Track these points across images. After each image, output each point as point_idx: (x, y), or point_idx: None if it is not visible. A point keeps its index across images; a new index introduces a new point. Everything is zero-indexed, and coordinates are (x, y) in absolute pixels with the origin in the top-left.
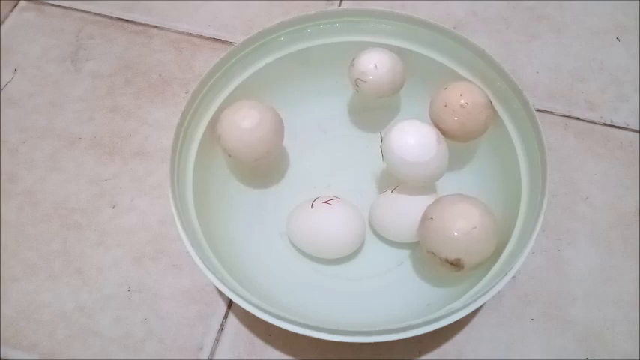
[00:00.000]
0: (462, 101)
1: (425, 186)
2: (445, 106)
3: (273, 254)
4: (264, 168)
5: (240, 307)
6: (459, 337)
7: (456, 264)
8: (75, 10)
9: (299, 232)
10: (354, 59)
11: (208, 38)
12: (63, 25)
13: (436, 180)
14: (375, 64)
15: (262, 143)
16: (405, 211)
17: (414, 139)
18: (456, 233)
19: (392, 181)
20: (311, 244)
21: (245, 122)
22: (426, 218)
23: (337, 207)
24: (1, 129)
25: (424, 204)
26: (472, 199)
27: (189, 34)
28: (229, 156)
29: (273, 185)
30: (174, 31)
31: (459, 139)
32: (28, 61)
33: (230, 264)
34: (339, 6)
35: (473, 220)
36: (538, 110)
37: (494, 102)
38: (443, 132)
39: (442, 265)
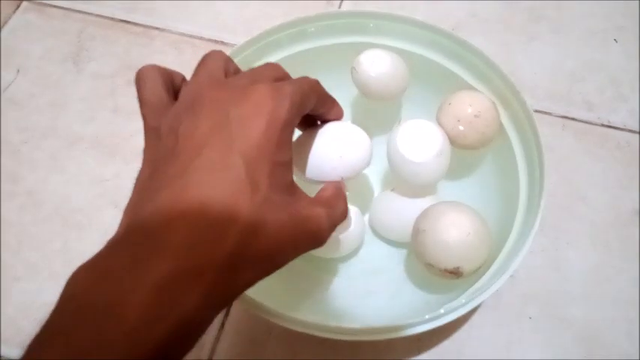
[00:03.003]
0: (473, 111)
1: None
2: (459, 121)
3: None
4: None
5: (240, 305)
6: (458, 336)
7: (455, 272)
8: (76, 11)
9: None
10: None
11: (209, 39)
12: (64, 26)
13: (435, 183)
14: (372, 62)
15: None
16: (405, 210)
17: (418, 138)
18: (451, 242)
19: (391, 180)
20: None
21: None
22: (418, 231)
23: None
24: (3, 129)
25: (424, 203)
26: (460, 204)
27: (190, 36)
28: None
29: None
30: (175, 33)
31: (480, 147)
32: (30, 61)
33: None
34: (340, 7)
35: (465, 226)
36: (536, 111)
37: None
38: (464, 146)
39: (442, 275)
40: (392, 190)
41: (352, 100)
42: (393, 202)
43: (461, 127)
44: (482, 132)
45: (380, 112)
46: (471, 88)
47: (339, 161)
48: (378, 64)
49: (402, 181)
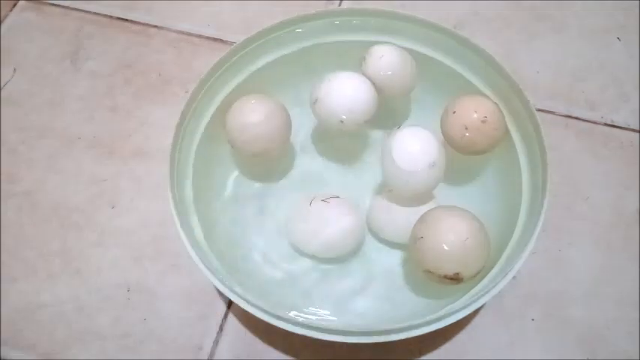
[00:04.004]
0: (480, 117)
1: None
2: (466, 128)
3: (273, 253)
4: (264, 166)
5: (239, 307)
6: (460, 338)
7: (455, 278)
8: (74, 9)
9: (299, 230)
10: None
11: (208, 38)
12: (62, 24)
13: (425, 193)
14: (381, 57)
15: (263, 139)
16: (403, 213)
17: (413, 147)
18: (449, 248)
19: None
20: (311, 243)
21: (249, 116)
22: (415, 238)
23: (336, 205)
24: (1, 129)
25: (422, 205)
26: (456, 208)
27: (189, 34)
28: (231, 146)
29: (273, 184)
30: (173, 31)
31: (489, 150)
32: (28, 60)
33: (230, 264)
34: (339, 5)
35: (463, 231)
36: (538, 110)
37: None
38: (474, 152)
39: (441, 281)
40: (390, 191)
41: None
42: (391, 205)
43: (469, 134)
44: (491, 136)
45: (381, 109)
46: (471, 85)
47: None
48: (386, 60)
49: (392, 187)
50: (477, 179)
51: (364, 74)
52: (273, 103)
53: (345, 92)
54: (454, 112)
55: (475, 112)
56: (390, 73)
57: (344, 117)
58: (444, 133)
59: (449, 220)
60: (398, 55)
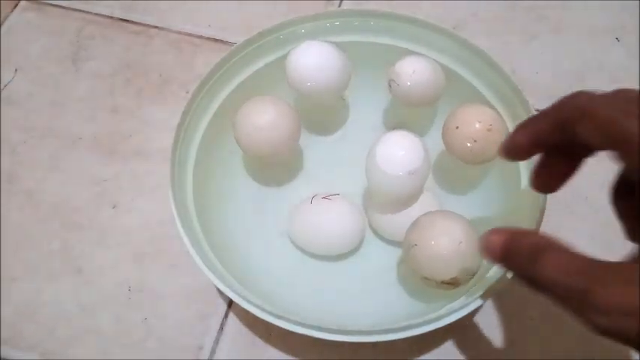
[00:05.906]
0: (485, 126)
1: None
2: (475, 141)
3: (273, 253)
4: (265, 166)
5: (240, 306)
6: (459, 337)
7: (452, 283)
8: (75, 10)
9: (299, 229)
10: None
11: (208, 38)
12: (63, 25)
13: (403, 200)
14: (414, 70)
15: (269, 143)
16: (402, 210)
17: (398, 151)
18: (444, 254)
19: None
20: (311, 241)
21: (257, 119)
22: (410, 246)
23: (337, 203)
24: (2, 129)
25: (421, 203)
26: (447, 212)
27: (190, 35)
28: (240, 148)
29: (274, 184)
30: (174, 32)
31: (497, 156)
32: (29, 61)
33: (230, 264)
34: (339, 6)
35: (456, 235)
36: (537, 110)
37: (493, 102)
38: (483, 160)
39: (439, 287)
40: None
41: (351, 96)
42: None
43: (478, 145)
44: (499, 142)
45: (382, 109)
46: (470, 86)
47: None
48: (418, 74)
49: (372, 190)
50: (476, 181)
51: (395, 93)
52: (283, 105)
53: (309, 60)
54: (457, 127)
55: (478, 122)
56: (423, 86)
57: (309, 84)
58: (449, 148)
59: (441, 224)
60: (427, 67)
